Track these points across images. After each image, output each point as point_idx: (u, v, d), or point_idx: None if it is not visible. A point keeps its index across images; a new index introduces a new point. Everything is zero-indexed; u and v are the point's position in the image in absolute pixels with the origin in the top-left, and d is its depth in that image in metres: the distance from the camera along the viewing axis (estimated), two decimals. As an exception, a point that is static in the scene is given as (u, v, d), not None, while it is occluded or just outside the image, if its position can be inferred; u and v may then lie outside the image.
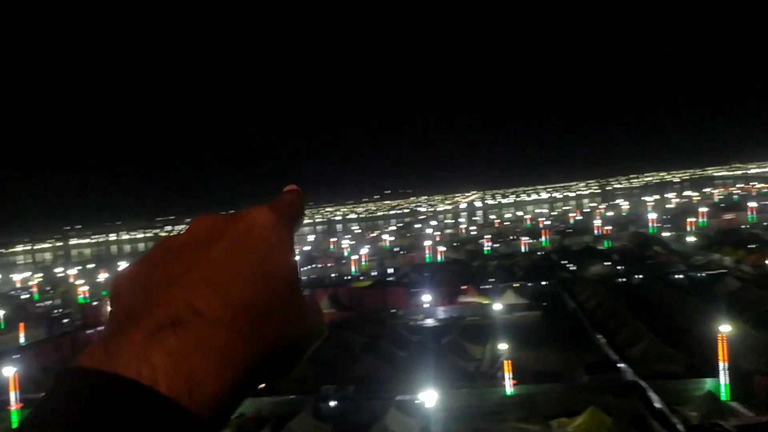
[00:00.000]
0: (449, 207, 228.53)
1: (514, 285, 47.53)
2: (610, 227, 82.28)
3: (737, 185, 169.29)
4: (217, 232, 0.55)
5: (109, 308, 0.55)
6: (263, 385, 0.54)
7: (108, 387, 0.45)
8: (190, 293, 0.50)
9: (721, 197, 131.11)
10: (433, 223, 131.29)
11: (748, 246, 54.03)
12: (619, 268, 52.97)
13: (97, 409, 0.44)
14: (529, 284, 48.79)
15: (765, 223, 72.95)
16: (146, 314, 0.49)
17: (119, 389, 0.45)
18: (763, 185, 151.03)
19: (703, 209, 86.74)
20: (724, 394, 23.66)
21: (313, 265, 76.22)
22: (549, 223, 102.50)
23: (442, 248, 71.72)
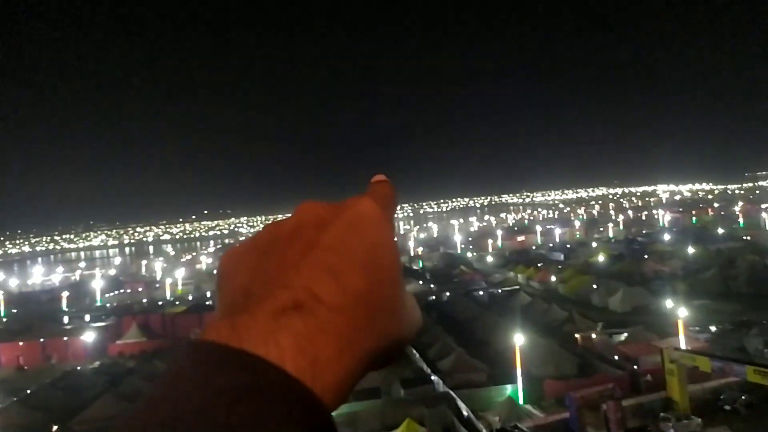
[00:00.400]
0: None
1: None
2: (422, 248, 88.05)
3: (527, 211, 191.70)
4: (324, 220, 0.55)
5: (217, 286, 0.56)
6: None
7: (238, 362, 0.47)
8: (308, 279, 0.50)
9: (514, 221, 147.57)
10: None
11: (537, 265, 61.68)
12: (431, 286, 56.69)
13: (229, 383, 0.46)
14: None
15: (550, 245, 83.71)
16: (267, 296, 0.50)
17: (249, 365, 0.47)
18: (545, 211, 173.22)
19: (499, 232, 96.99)
20: (521, 398, 26.51)
21: (120, 291, 69.94)
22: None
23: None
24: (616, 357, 30.96)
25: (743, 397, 24.55)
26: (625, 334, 33.90)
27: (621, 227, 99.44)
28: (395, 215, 0.61)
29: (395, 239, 0.57)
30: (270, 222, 0.59)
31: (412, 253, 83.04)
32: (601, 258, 60.57)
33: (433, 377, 29.78)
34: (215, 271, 0.58)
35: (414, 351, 34.78)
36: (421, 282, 57.88)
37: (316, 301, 0.49)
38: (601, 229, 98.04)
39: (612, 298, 44.18)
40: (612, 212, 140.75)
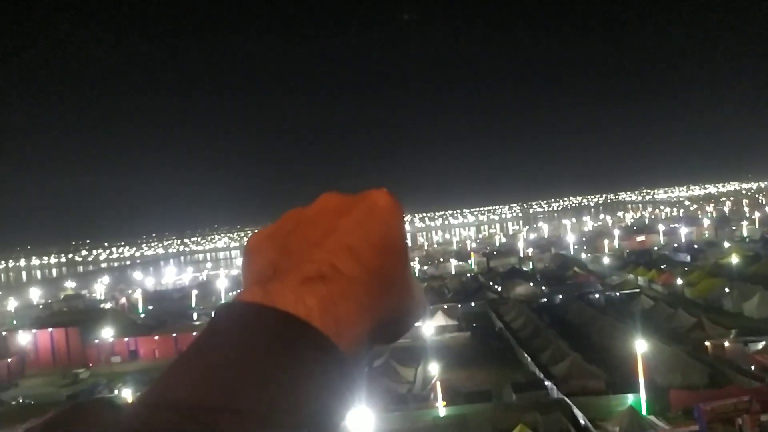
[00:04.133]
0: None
1: (444, 306, 48.27)
2: (532, 249, 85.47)
3: (647, 209, 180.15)
4: (344, 207, 0.63)
5: (245, 262, 0.63)
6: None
7: (273, 317, 0.54)
8: (330, 254, 0.58)
9: (633, 220, 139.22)
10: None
11: (659, 266, 57.67)
12: (542, 288, 54.95)
13: (266, 335, 0.54)
14: (459, 305, 49.71)
15: (674, 245, 78.02)
16: (294, 267, 0.57)
17: (282, 320, 0.54)
18: (668, 209, 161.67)
19: (616, 232, 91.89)
20: (643, 408, 24.95)
21: (241, 290, 74.39)
22: (475, 245, 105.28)
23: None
24: (753, 367, 28.27)
25: None
26: (763, 343, 30.83)
27: (756, 225, 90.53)
28: (404, 212, 0.67)
29: (405, 228, 0.65)
30: (291, 210, 0.66)
31: (521, 254, 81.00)
32: (734, 259, 55.31)
33: (546, 383, 28.87)
34: (242, 252, 0.65)
35: (525, 355, 33.93)
36: (531, 284, 56.32)
37: (337, 272, 0.57)
38: (734, 227, 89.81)
39: (747, 303, 40.40)
40: (746, 209, 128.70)
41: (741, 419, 21.23)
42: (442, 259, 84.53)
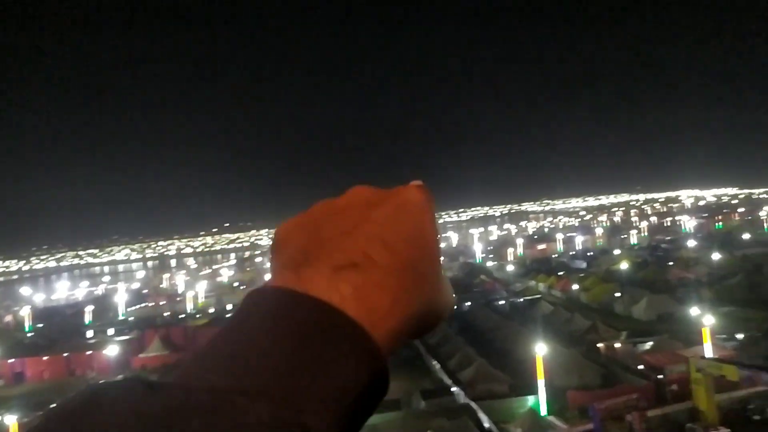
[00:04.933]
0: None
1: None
2: (443, 258, 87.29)
3: (547, 219, 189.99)
4: (375, 200, 0.61)
5: (274, 251, 0.61)
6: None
7: (306, 304, 0.52)
8: (363, 244, 0.57)
9: (535, 229, 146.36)
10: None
11: (558, 273, 60.96)
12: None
13: (299, 321, 0.52)
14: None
15: (571, 253, 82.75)
16: (326, 255, 0.56)
17: (316, 307, 0.52)
18: (567, 218, 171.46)
19: (520, 241, 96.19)
20: (543, 409, 26.08)
21: (143, 304, 70.71)
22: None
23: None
24: (641, 367, 30.35)
25: (773, 407, 23.85)
26: (650, 343, 33.25)
27: (644, 234, 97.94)
28: (435, 209, 0.66)
29: (437, 224, 0.64)
30: (323, 200, 0.64)
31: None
32: (624, 265, 59.57)
33: (453, 388, 29.51)
34: (271, 239, 0.63)
35: (434, 362, 34.56)
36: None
37: (371, 261, 0.55)
38: (624, 236, 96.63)
39: (636, 307, 43.45)
40: (635, 219, 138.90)
41: (630, 416, 22.71)
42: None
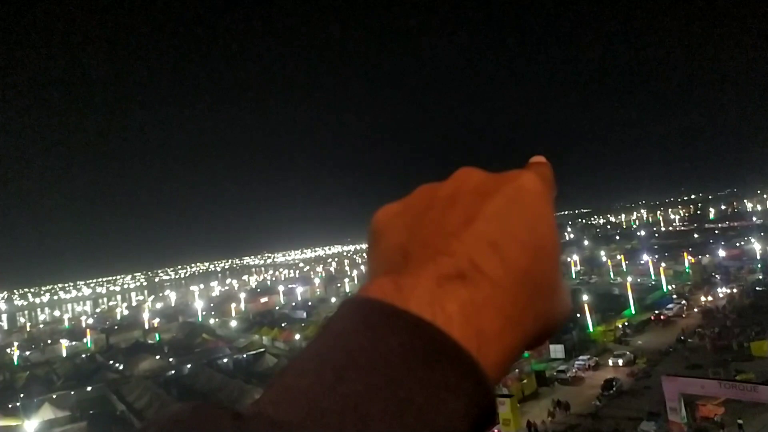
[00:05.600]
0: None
1: (53, 396, 41.45)
2: (159, 319, 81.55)
3: (269, 272, 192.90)
4: (485, 189, 0.52)
5: (372, 242, 0.55)
6: None
7: (408, 323, 0.45)
8: (471, 248, 0.48)
9: (257, 283, 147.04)
10: None
11: (281, 325, 62.10)
12: (170, 360, 52.61)
13: (402, 343, 0.45)
14: (71, 392, 43.39)
15: (293, 304, 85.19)
16: (429, 260, 0.48)
17: (419, 327, 0.45)
18: (287, 271, 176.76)
19: (242, 295, 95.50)
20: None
21: None
22: (92, 321, 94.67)
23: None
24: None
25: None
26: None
27: (356, 281, 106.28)
28: (555, 197, 0.57)
29: (556, 219, 0.54)
30: (425, 184, 0.57)
31: (147, 326, 76.29)
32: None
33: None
34: (368, 228, 0.56)
35: None
36: (158, 357, 53.33)
37: (480, 272, 0.47)
38: (339, 284, 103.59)
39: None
40: (347, 268, 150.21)
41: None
42: (50, 341, 72.99)
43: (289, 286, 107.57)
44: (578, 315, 46.98)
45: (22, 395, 43.20)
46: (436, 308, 0.46)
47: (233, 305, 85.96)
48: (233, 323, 71.55)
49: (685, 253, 71.78)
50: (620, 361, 37.22)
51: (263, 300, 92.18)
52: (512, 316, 0.47)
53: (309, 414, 0.43)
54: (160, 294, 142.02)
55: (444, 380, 0.45)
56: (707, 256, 73.44)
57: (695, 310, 50.24)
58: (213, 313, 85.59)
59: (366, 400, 0.44)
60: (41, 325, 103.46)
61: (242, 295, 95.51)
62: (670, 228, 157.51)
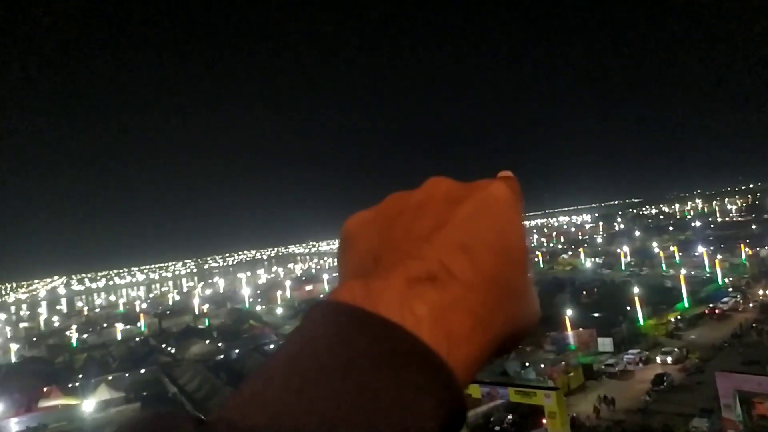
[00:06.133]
0: (24, 296, 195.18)
1: (108, 378, 43.27)
2: (208, 305, 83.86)
3: (313, 260, 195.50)
4: (455, 196, 0.53)
5: (342, 249, 0.55)
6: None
7: (377, 326, 0.45)
8: (441, 252, 0.48)
9: (302, 271, 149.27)
10: (2, 316, 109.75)
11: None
12: (219, 345, 54.07)
13: (371, 346, 0.44)
14: (126, 374, 45.21)
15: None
16: (399, 263, 0.48)
17: (388, 330, 0.45)
18: (331, 259, 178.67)
19: (288, 283, 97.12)
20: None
21: None
22: (146, 305, 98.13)
23: (14, 346, 60.37)
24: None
25: (509, 417, 27.65)
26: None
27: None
28: (523, 207, 0.58)
29: (525, 226, 0.55)
30: (396, 193, 0.57)
31: (197, 312, 78.59)
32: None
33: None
34: (340, 234, 0.57)
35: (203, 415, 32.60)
36: (207, 341, 54.89)
37: (450, 275, 0.47)
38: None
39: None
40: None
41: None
42: (105, 325, 76.15)
43: (333, 274, 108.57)
44: (628, 308, 45.86)
45: (80, 376, 45.28)
46: (404, 311, 0.46)
47: (279, 293, 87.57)
48: (279, 310, 72.93)
49: (742, 245, 69.17)
50: (669, 359, 35.76)
51: (308, 288, 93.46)
52: (482, 318, 0.47)
53: (273, 419, 0.42)
54: (209, 281, 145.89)
55: (412, 382, 0.45)
56: (766, 248, 70.32)
57: (752, 304, 48.24)
58: (260, 300, 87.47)
59: (333, 403, 0.43)
60: (98, 309, 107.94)
61: (288, 283, 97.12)
62: (727, 218, 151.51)
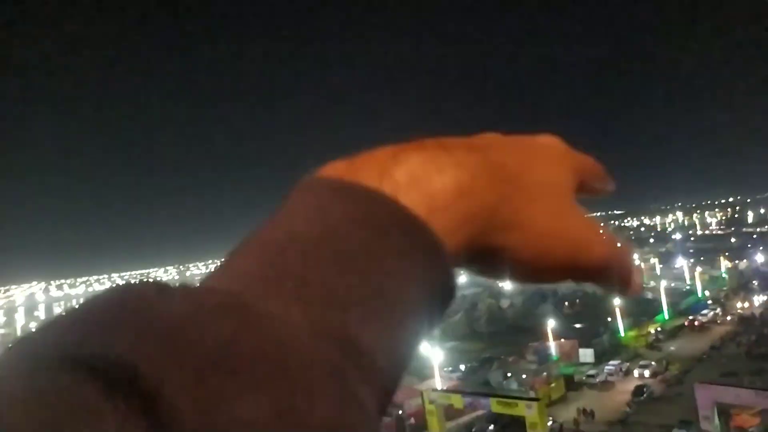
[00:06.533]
0: (1, 302, 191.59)
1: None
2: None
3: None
4: (502, 140, 0.50)
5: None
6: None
7: (353, 193, 0.43)
8: (444, 140, 0.46)
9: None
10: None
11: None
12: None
13: (346, 212, 0.42)
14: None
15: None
16: (396, 144, 0.45)
17: (363, 196, 0.42)
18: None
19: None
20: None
21: None
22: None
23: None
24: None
25: (491, 427, 27.64)
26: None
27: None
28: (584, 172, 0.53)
29: (573, 178, 0.51)
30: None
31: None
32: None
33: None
34: None
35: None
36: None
37: (442, 148, 0.44)
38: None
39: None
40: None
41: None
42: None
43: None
44: (609, 319, 46.18)
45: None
46: (383, 177, 0.43)
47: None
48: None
49: (722, 258, 70.06)
50: (646, 372, 35.56)
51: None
52: (469, 189, 0.44)
53: (246, 286, 0.38)
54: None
55: (392, 245, 0.41)
56: (745, 261, 71.42)
57: (731, 316, 48.89)
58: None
59: (307, 269, 0.40)
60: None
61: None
62: (707, 231, 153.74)
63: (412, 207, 0.42)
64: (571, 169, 0.51)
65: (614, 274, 0.49)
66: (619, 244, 0.50)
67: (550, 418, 28.13)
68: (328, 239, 0.40)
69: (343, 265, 0.40)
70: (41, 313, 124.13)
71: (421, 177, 0.43)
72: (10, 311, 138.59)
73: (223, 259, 0.41)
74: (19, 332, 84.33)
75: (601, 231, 0.50)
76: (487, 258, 0.46)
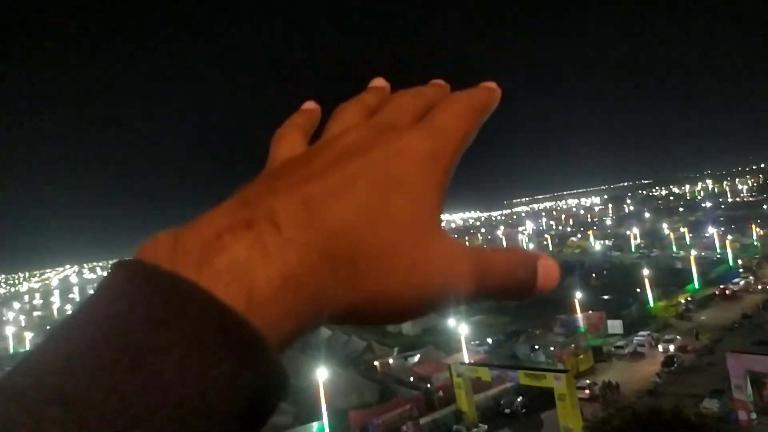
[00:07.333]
0: (37, 285, 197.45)
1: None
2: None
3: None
4: (359, 145, 0.45)
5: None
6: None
7: (164, 287, 0.37)
8: (281, 200, 0.41)
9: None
10: (16, 305, 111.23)
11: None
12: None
13: (151, 311, 0.37)
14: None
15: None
16: (228, 213, 0.41)
17: (176, 290, 0.37)
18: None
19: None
20: (325, 433, 26.63)
21: None
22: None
23: (29, 334, 61.22)
24: (412, 378, 32.88)
25: (519, 399, 27.77)
26: (418, 356, 36.21)
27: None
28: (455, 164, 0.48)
29: (441, 186, 0.46)
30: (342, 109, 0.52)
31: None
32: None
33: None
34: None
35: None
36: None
37: (272, 224, 0.40)
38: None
39: (404, 323, 46.91)
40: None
41: (405, 426, 24.42)
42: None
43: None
44: (638, 290, 45.69)
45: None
46: (204, 266, 0.38)
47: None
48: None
49: (753, 225, 68.57)
50: (671, 347, 34.56)
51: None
52: (301, 276, 0.39)
53: (26, 381, 0.33)
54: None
55: (204, 344, 0.35)
56: (778, 228, 69.73)
57: (762, 285, 47.95)
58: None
59: (104, 372, 0.34)
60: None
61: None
62: (738, 199, 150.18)
63: (230, 302, 0.37)
64: (437, 172, 0.47)
65: (499, 292, 0.46)
66: (496, 255, 0.47)
67: (587, 382, 28.29)
68: (130, 340, 0.35)
69: (143, 370, 0.34)
70: (76, 295, 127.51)
71: (243, 266, 0.38)
72: (46, 294, 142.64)
73: (39, 344, 0.36)
74: (55, 314, 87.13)
75: (468, 256, 0.45)
76: (342, 320, 0.43)
